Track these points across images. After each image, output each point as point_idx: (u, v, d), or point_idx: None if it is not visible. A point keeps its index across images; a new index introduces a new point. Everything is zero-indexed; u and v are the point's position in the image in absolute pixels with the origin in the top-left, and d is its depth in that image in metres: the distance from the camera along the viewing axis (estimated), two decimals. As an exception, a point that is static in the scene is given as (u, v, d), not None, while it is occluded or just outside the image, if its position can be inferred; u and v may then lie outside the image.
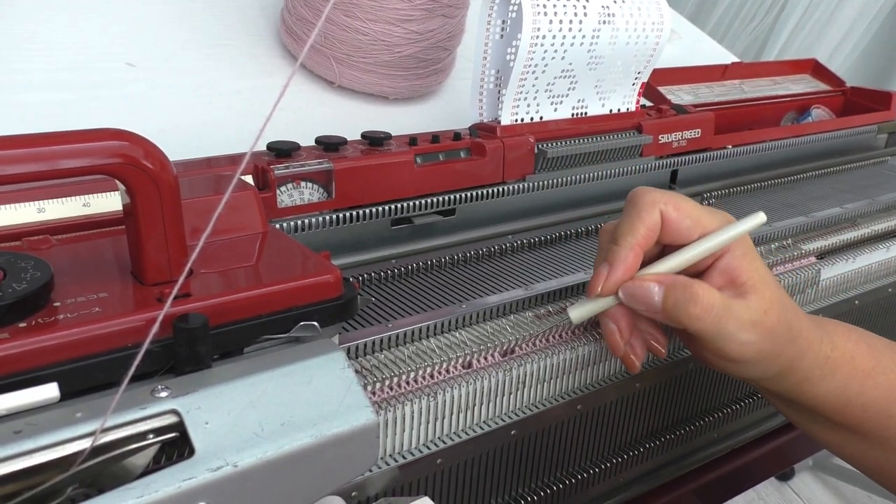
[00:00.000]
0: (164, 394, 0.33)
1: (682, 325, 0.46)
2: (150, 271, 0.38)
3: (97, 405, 0.31)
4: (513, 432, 0.51)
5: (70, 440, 0.30)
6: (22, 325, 0.33)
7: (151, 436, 0.32)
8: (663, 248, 0.50)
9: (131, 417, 0.32)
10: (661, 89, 0.91)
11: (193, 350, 0.35)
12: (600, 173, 0.74)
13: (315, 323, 0.39)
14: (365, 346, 0.49)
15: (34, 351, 0.31)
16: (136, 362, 0.31)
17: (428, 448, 0.47)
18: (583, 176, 0.73)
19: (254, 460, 0.33)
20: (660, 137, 0.78)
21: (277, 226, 0.55)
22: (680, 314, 0.46)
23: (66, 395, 0.32)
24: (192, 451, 0.32)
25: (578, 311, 0.49)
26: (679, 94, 0.94)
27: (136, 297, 0.37)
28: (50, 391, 0.32)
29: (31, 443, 0.29)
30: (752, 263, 0.47)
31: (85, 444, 0.30)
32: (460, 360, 0.49)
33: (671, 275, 0.47)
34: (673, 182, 0.81)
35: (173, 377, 0.35)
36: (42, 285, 0.35)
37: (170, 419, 0.33)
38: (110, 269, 0.40)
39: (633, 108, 0.77)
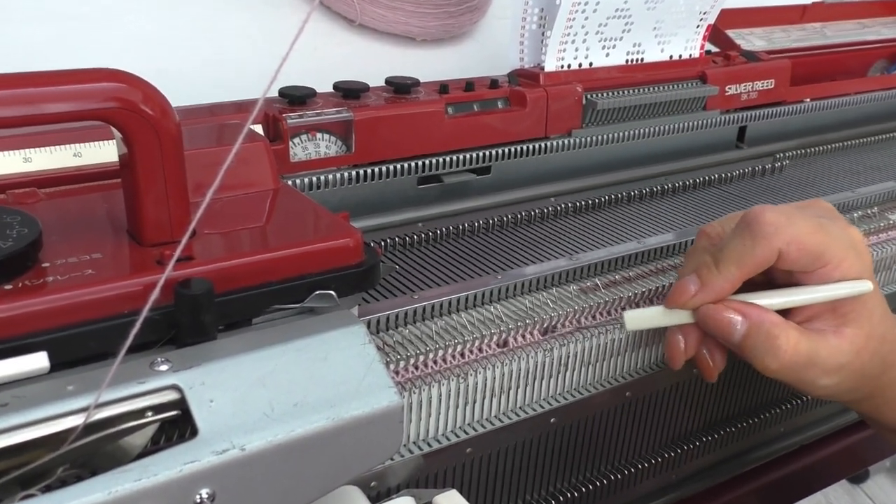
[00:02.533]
0: (164, 367, 0.33)
1: (755, 368, 0.47)
2: (148, 230, 0.38)
3: (91, 378, 0.31)
4: (552, 420, 0.51)
5: (61, 416, 0.30)
6: (7, 287, 0.32)
7: (150, 413, 0.32)
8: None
9: (128, 392, 0.32)
10: (730, 33, 0.90)
11: (197, 319, 0.35)
12: (657, 129, 0.73)
13: (332, 292, 0.39)
14: (388, 319, 0.49)
15: (21, 316, 0.31)
16: (133, 331, 0.31)
17: (456, 435, 0.48)
18: (637, 132, 0.72)
19: (263, 444, 0.33)
20: (727, 88, 0.77)
21: (290, 182, 0.56)
22: (755, 361, 0.46)
23: (57, 365, 0.33)
24: (195, 432, 0.32)
25: (639, 319, 0.48)
26: (750, 39, 0.93)
27: (134, 258, 0.37)
28: (39, 361, 0.32)
29: (19, 417, 0.29)
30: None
31: (77, 420, 0.31)
32: (494, 338, 0.49)
33: (759, 309, 0.46)
34: (741, 140, 0.80)
35: (174, 349, 0.35)
36: (29, 243, 0.35)
37: (170, 395, 0.33)
38: (104, 227, 0.40)
39: (696, 54, 0.76)
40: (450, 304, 0.51)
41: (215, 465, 0.32)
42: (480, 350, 0.49)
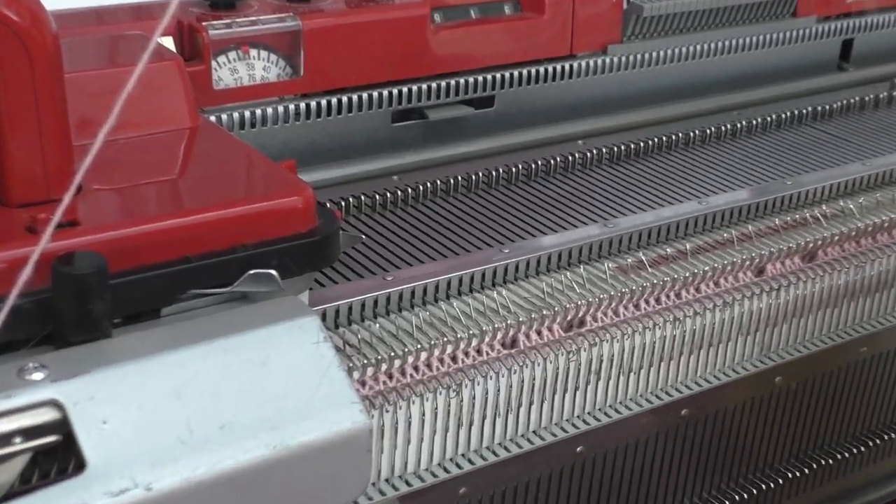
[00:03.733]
0: (38, 375, 0.33)
1: None
2: (15, 186, 0.38)
3: (-64, 390, 0.31)
4: (579, 449, 0.51)
5: None
6: None
7: (19, 440, 0.32)
8: None
9: (-12, 411, 0.32)
10: None
11: (83, 308, 0.35)
12: (728, 44, 0.73)
13: (272, 272, 0.39)
14: (351, 309, 0.48)
15: None
16: (-5, 326, 0.30)
17: (446, 470, 0.48)
18: (699, 48, 0.72)
19: (177, 481, 0.33)
20: (826, -14, 0.77)
21: (213, 118, 0.55)
22: None
23: None
24: (81, 465, 0.32)
25: None
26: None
27: (-5, 224, 0.37)
28: None
29: None
30: None
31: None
32: (499, 336, 0.49)
33: None
34: (845, 59, 0.80)
35: (52, 350, 0.35)
36: None
37: (48, 414, 0.33)
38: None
39: (783, -63, 0.76)
40: (437, 288, 0.51)
41: (110, 512, 0.32)
42: (479, 352, 0.49)
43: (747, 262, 0.56)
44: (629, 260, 0.55)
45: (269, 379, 0.36)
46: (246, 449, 0.34)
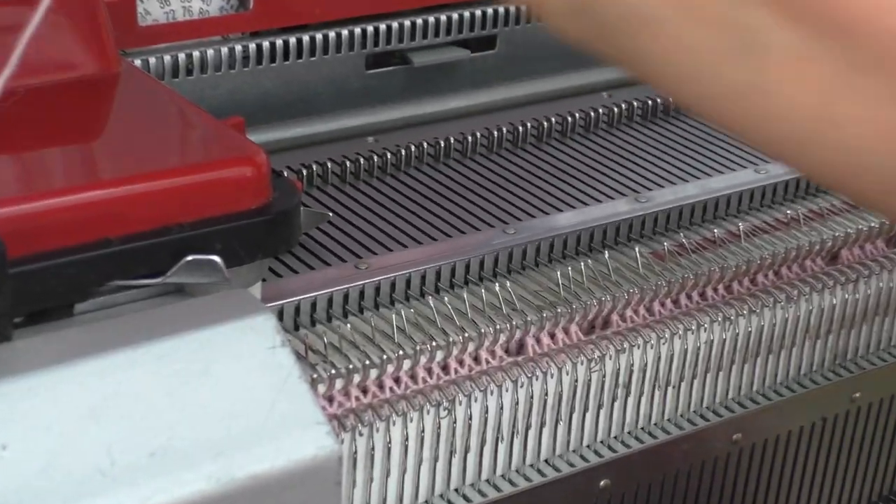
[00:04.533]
0: None
1: None
2: None
3: None
4: (602, 483, 0.51)
5: None
6: None
7: None
8: None
9: None
10: None
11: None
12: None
13: (216, 258, 0.39)
14: (314, 306, 0.49)
15: None
16: None
17: (434, 510, 0.48)
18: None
19: (96, 524, 0.32)
20: None
21: (138, 62, 0.55)
22: None
23: None
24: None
25: None
26: None
27: None
28: None
29: None
30: None
31: None
32: (502, 339, 0.49)
33: None
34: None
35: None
36: None
37: None
38: None
39: None
40: (423, 279, 0.51)
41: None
42: (477, 360, 0.49)
43: (817, 247, 0.56)
44: (666, 244, 0.55)
45: (212, 393, 0.36)
46: (183, 482, 0.34)
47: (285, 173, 0.41)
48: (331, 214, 0.54)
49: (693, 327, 0.53)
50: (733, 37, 0.38)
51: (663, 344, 0.52)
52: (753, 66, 0.38)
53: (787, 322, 0.55)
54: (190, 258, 0.39)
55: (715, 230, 0.56)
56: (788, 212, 0.58)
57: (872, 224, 0.57)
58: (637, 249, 0.54)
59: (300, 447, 0.36)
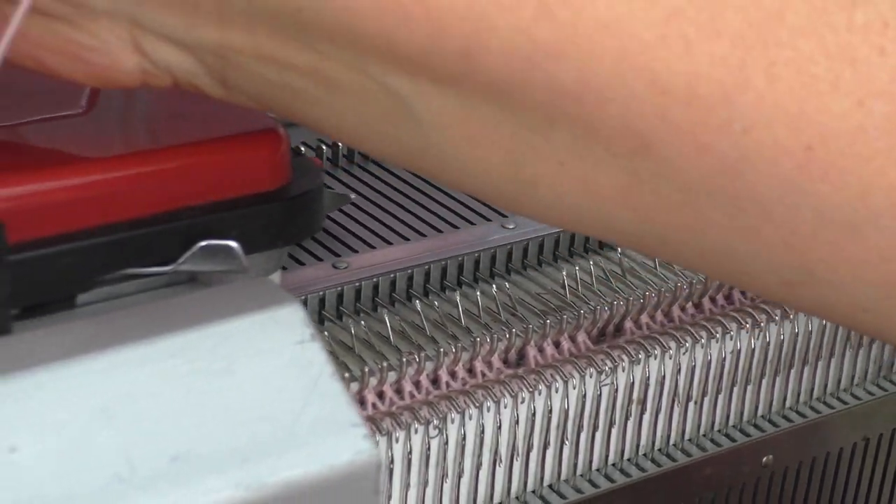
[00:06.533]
0: None
1: None
2: None
3: None
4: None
5: None
6: None
7: None
8: None
9: None
10: None
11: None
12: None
13: (233, 243, 0.38)
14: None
15: None
16: None
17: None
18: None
19: (110, 534, 0.31)
20: None
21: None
22: None
23: None
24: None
25: None
26: None
27: None
28: None
29: None
30: None
31: None
32: (500, 349, 0.49)
33: None
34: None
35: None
36: None
37: None
38: None
39: None
40: (410, 280, 0.50)
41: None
42: (472, 372, 0.48)
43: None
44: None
45: (237, 393, 0.35)
46: (209, 489, 0.33)
47: (303, 151, 0.40)
48: (353, 196, 0.54)
49: (718, 334, 0.53)
50: (384, 104, 0.37)
51: (683, 354, 0.52)
52: (418, 132, 0.37)
53: (825, 328, 0.55)
54: (204, 243, 0.38)
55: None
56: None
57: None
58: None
59: (336, 452, 0.35)
